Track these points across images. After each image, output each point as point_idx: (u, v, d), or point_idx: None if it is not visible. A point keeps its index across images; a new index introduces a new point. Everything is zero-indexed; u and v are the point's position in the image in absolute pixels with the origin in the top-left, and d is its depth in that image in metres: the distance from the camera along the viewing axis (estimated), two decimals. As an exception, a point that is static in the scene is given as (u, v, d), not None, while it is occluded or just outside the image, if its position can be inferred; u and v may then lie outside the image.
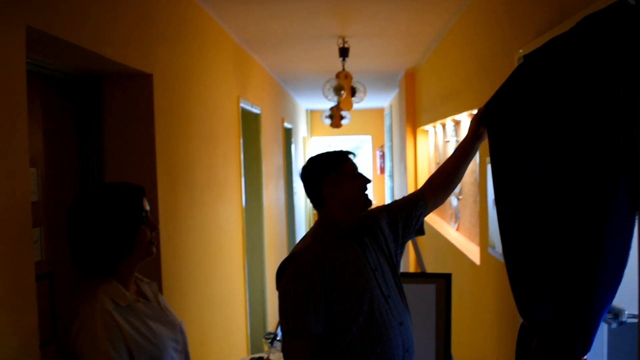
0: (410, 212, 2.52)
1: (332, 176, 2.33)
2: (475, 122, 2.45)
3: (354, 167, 2.37)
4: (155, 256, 2.04)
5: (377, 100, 11.67)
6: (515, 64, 3.00)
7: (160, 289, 2.84)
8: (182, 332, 2.11)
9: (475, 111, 4.14)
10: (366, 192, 2.36)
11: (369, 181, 2.37)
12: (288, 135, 9.51)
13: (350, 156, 2.40)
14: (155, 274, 2.85)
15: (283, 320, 2.26)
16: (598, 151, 1.77)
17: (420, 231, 2.61)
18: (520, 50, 2.90)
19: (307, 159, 2.47)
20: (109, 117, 2.85)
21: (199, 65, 3.92)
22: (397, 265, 2.47)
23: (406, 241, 2.57)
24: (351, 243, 2.35)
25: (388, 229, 2.47)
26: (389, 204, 2.58)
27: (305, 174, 2.41)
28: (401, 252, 2.54)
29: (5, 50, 1.73)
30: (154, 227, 2.00)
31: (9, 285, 1.65)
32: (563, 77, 1.92)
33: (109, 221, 1.90)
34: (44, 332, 2.33)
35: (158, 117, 2.97)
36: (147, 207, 2.01)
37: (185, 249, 3.43)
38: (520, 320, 2.86)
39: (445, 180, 2.57)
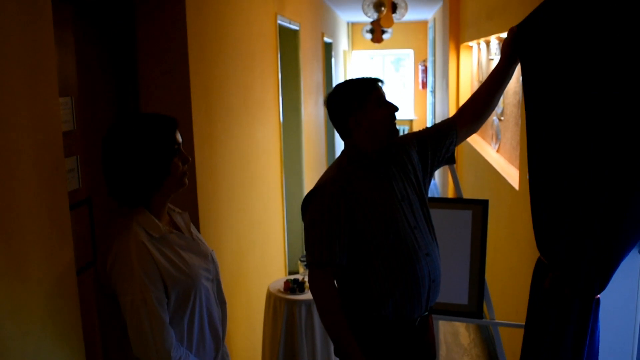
0: (441, 140, 2.46)
1: (358, 106, 2.27)
2: (508, 45, 2.32)
3: (381, 95, 2.30)
4: (191, 182, 2.05)
5: (420, 12, 11.28)
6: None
7: (196, 216, 2.89)
8: (213, 261, 2.15)
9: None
10: (394, 122, 2.31)
11: (396, 109, 2.31)
12: (328, 50, 9.33)
13: (379, 84, 2.33)
14: (191, 200, 2.88)
15: (308, 252, 2.28)
16: None
17: (451, 160, 2.56)
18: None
19: (334, 86, 2.40)
20: (142, 42, 2.80)
21: (234, -17, 3.81)
22: (425, 195, 2.44)
23: (435, 170, 2.53)
24: (377, 173, 2.32)
25: (417, 157, 2.43)
26: (418, 132, 2.52)
27: (331, 103, 2.35)
28: (429, 181, 2.52)
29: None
30: (187, 160, 2.01)
31: (43, 221, 1.68)
32: (618, 8, 1.78)
33: (141, 153, 1.91)
34: (85, 257, 2.40)
35: (191, 40, 2.91)
36: (180, 139, 2.01)
37: (221, 172, 3.45)
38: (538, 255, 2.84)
39: (478, 108, 2.48)
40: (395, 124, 2.31)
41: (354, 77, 2.39)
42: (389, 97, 2.35)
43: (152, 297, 1.83)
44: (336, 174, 2.32)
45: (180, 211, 2.17)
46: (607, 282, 1.86)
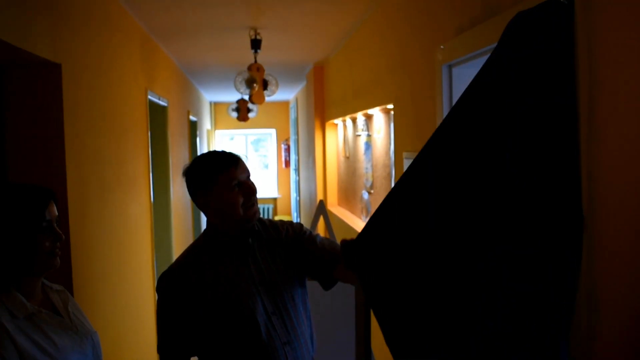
0: (323, 260, 2.23)
1: (207, 187, 2.09)
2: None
3: (233, 177, 2.07)
4: (66, 259, 1.89)
5: (283, 93, 11.61)
6: (435, 60, 3.02)
7: (71, 294, 2.67)
8: (93, 343, 1.98)
9: (390, 106, 4.18)
10: (248, 205, 2.10)
11: (251, 192, 2.11)
12: (193, 129, 9.28)
13: (233, 164, 2.10)
14: (66, 278, 2.67)
15: (158, 338, 2.15)
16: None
17: (327, 286, 2.31)
18: (442, 46, 2.92)
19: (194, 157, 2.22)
20: (12, 110, 2.62)
21: (107, 56, 3.71)
22: (295, 277, 2.21)
23: (307, 276, 2.30)
24: (234, 254, 2.13)
25: (296, 248, 2.22)
26: (309, 233, 2.28)
27: (186, 177, 2.17)
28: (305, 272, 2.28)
29: None
30: (58, 237, 1.83)
31: None
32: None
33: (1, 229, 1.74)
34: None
35: (67, 110, 2.77)
36: (55, 214, 1.83)
37: (96, 250, 3.25)
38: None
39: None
40: (251, 207, 2.11)
41: (215, 150, 2.19)
42: (250, 175, 2.16)
43: None
44: (188, 254, 2.17)
45: (60, 288, 1.99)
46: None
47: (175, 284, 2.09)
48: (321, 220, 5.81)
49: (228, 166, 2.08)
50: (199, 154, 10.10)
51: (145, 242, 4.73)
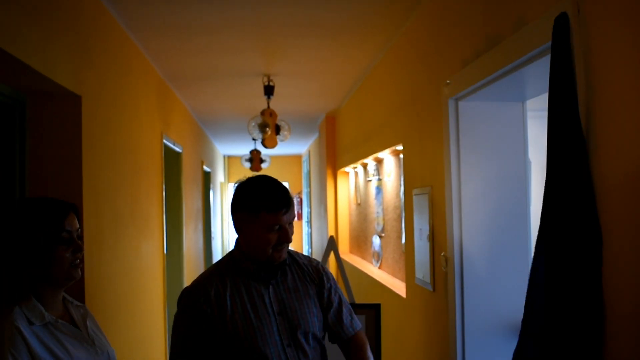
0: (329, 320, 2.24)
1: (247, 218, 2.11)
2: None
3: (276, 221, 2.08)
4: (79, 287, 1.93)
5: (295, 147, 11.79)
6: (441, 95, 3.10)
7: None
8: (109, 358, 2.00)
9: (399, 147, 4.26)
10: (279, 249, 2.11)
11: (285, 241, 2.12)
12: (207, 180, 9.40)
13: (284, 208, 2.09)
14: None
15: (169, 353, 2.15)
16: None
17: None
18: (448, 81, 3.01)
19: (247, 177, 2.24)
20: (34, 136, 2.72)
21: (125, 95, 3.84)
22: (320, 313, 2.21)
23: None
24: (257, 280, 2.14)
25: (320, 290, 2.24)
26: (329, 290, 2.26)
27: (234, 193, 2.19)
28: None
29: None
30: (78, 248, 1.86)
31: None
32: None
33: (17, 239, 1.79)
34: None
35: (85, 142, 2.87)
36: (75, 226, 1.88)
37: (109, 280, 3.29)
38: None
39: None
40: (280, 250, 2.12)
41: (274, 182, 2.17)
42: (294, 219, 2.18)
43: None
44: (209, 275, 2.16)
45: (79, 304, 2.03)
46: None
47: (195, 302, 2.08)
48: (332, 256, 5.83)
49: (278, 209, 2.08)
50: (212, 205, 10.20)
51: (157, 286, 4.76)
